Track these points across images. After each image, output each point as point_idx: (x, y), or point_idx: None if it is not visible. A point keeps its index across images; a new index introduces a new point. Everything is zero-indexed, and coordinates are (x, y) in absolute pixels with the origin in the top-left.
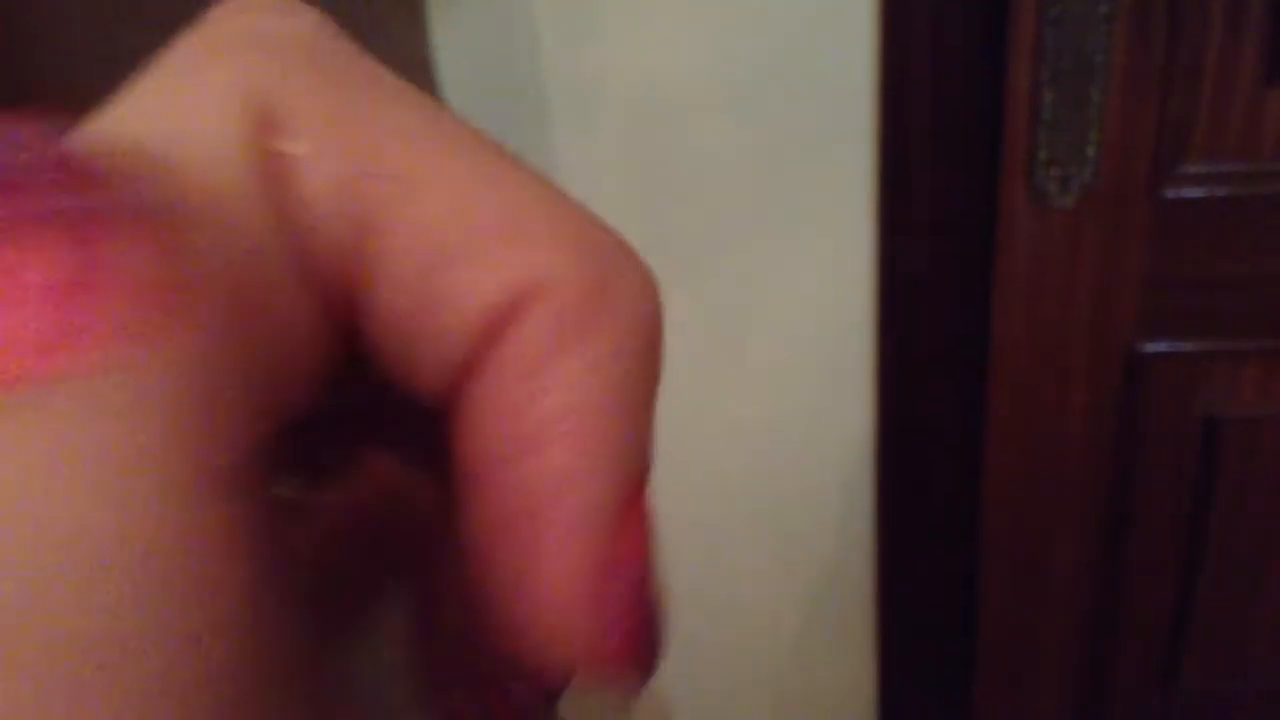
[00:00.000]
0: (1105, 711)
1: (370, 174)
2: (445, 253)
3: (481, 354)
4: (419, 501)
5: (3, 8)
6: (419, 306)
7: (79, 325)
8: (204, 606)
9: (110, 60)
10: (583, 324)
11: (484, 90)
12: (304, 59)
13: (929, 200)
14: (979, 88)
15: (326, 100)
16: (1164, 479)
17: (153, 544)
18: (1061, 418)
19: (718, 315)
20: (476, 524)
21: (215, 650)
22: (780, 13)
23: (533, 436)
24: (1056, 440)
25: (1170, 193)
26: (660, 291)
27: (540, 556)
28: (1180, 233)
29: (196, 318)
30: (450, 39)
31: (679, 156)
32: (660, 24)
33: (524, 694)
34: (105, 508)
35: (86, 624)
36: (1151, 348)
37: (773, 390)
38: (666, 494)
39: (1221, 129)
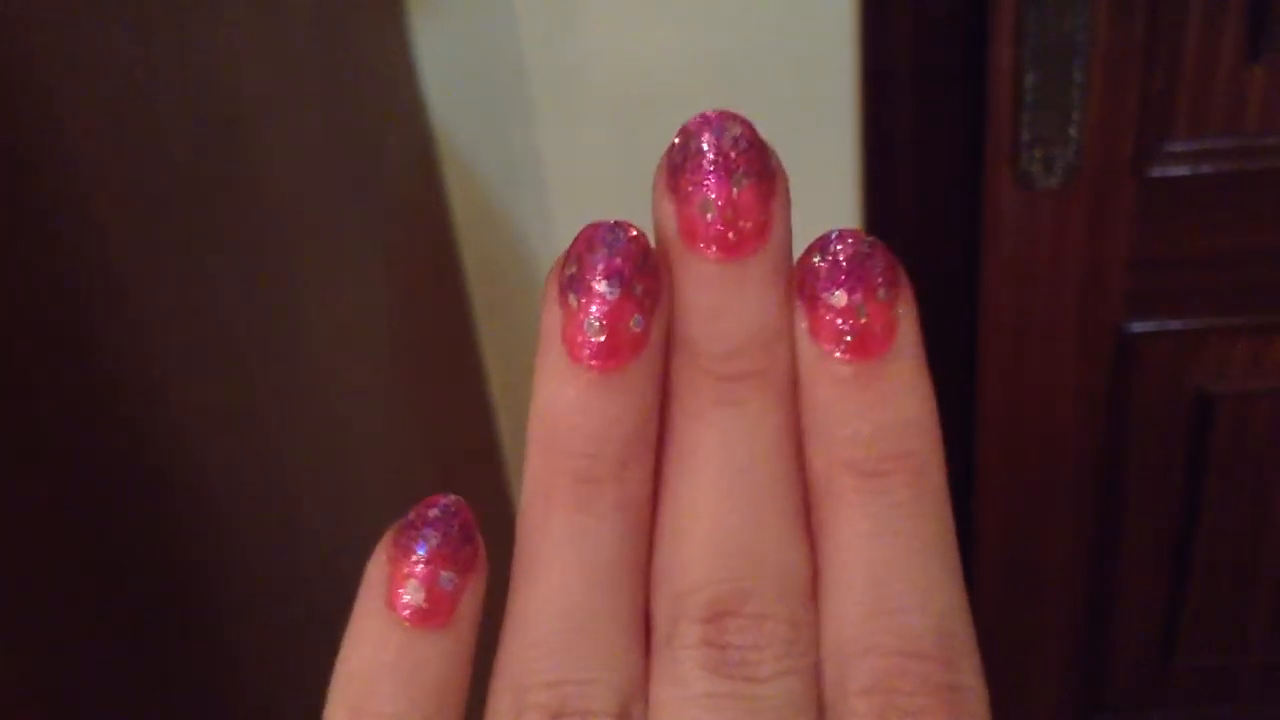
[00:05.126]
0: (1103, 688)
1: None
2: None
3: None
4: None
5: None
6: None
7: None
8: None
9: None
10: None
11: (467, 87)
12: None
13: (913, 186)
14: (960, 71)
15: None
16: (1156, 457)
17: None
18: (1052, 399)
19: None
20: None
21: None
22: (758, 4)
23: None
24: (1047, 421)
25: (1155, 171)
26: None
27: None
28: (1166, 211)
29: None
30: (432, 35)
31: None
32: (641, 15)
33: None
34: None
35: None
36: (1140, 327)
37: None
38: None
39: (1205, 106)
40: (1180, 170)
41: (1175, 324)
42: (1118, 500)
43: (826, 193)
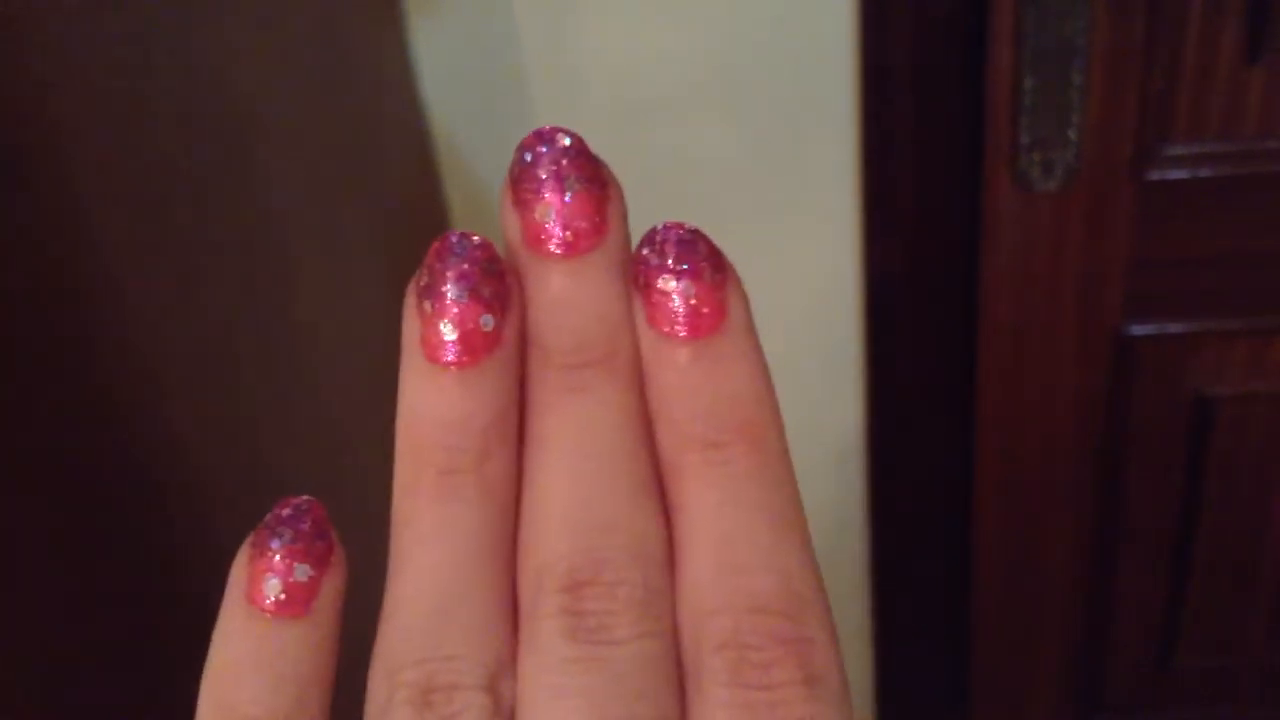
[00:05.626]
0: (1103, 688)
1: None
2: None
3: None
4: None
5: None
6: None
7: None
8: None
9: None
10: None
11: (466, 87)
12: None
13: (913, 186)
14: (960, 71)
15: None
16: (1156, 458)
17: None
18: (1051, 400)
19: None
20: None
21: None
22: (758, 5)
23: None
24: (1047, 422)
25: (1154, 174)
26: None
27: None
28: (1165, 214)
29: None
30: (431, 35)
31: (662, 152)
32: (640, 15)
33: None
34: None
35: None
36: (1139, 330)
37: None
38: None
39: (1204, 109)
40: (1179, 173)
41: (1174, 326)
42: (1118, 501)
43: (826, 193)
